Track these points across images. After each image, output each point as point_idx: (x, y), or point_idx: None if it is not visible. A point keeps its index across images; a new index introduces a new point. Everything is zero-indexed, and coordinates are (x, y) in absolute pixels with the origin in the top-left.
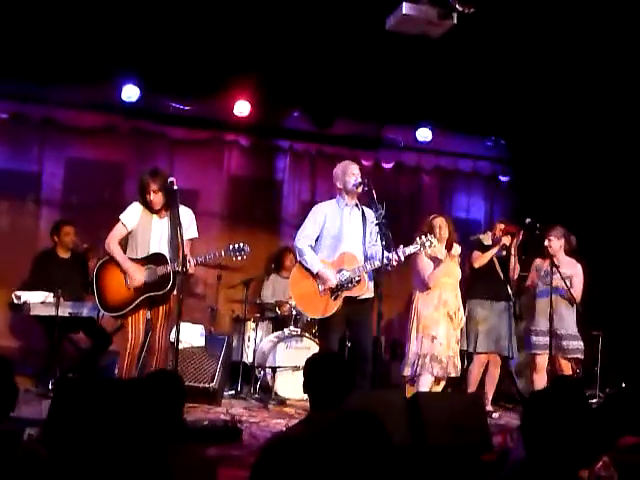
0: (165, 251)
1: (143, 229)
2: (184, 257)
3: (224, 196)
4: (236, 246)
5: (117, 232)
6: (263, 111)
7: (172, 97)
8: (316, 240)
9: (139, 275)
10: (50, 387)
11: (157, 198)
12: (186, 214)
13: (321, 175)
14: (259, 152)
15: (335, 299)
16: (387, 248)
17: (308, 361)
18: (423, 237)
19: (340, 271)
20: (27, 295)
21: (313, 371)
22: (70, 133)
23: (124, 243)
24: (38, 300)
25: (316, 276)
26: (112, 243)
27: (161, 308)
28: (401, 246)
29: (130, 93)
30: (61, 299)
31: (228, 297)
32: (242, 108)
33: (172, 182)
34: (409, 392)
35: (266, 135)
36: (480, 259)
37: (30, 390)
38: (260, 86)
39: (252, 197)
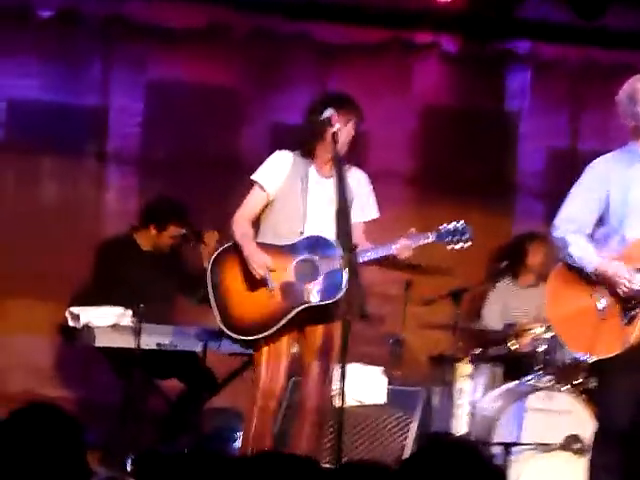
0: (329, 235)
1: (293, 195)
2: (352, 249)
3: (412, 142)
4: (451, 227)
5: (251, 203)
6: None
7: None
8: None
9: (287, 273)
10: (128, 468)
11: (344, 135)
12: (361, 179)
13: (589, 102)
14: (476, 64)
15: (629, 323)
16: None
17: None
18: None
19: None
20: (88, 314)
21: None
22: (151, 41)
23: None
24: (106, 322)
25: (594, 279)
26: (240, 222)
27: (318, 334)
28: None
29: None
30: (143, 321)
31: (423, 320)
32: None
33: (329, 119)
34: None
35: (488, 34)
36: None
37: (96, 473)
38: None
39: (462, 143)
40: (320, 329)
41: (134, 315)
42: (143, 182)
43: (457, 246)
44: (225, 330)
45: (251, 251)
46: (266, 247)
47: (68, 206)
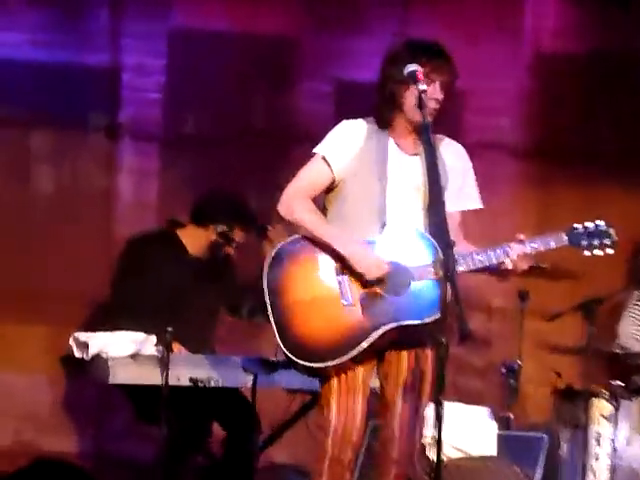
0: (422, 228)
1: (369, 178)
2: (450, 251)
3: (522, 104)
4: (591, 227)
5: (311, 178)
6: None
7: None
8: None
9: (378, 273)
10: None
11: (434, 98)
12: (459, 154)
13: None
14: None
15: None
16: None
17: None
18: None
19: None
20: (100, 341)
21: None
22: None
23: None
24: (124, 351)
25: None
26: (300, 202)
27: (405, 363)
28: None
29: None
30: (178, 349)
31: (544, 342)
32: None
33: (414, 75)
34: None
35: None
36: None
37: None
38: None
39: (591, 102)
40: (407, 357)
41: (160, 341)
42: (167, 164)
43: (598, 252)
44: (286, 353)
45: (345, 242)
46: None
47: (69, 197)
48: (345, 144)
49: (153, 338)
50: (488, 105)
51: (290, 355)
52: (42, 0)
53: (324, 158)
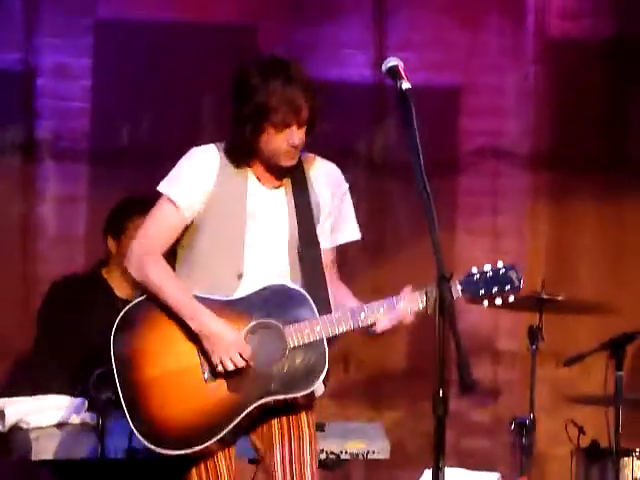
0: (286, 276)
1: (226, 218)
2: (444, 281)
3: (530, 101)
4: (486, 271)
5: (162, 230)
6: None
7: None
8: None
9: (240, 344)
10: None
11: (297, 137)
12: (333, 178)
13: None
14: None
15: None
16: None
17: None
18: None
19: None
20: (19, 407)
21: None
22: None
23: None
24: (49, 420)
25: None
26: (152, 263)
27: (279, 432)
28: None
29: None
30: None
31: (562, 390)
32: None
33: (394, 68)
34: None
35: None
36: None
37: None
38: None
39: (614, 97)
40: (280, 425)
41: (92, 406)
42: (97, 187)
43: (498, 302)
44: (140, 438)
45: (207, 322)
46: (203, 303)
47: None
48: (196, 180)
49: (83, 402)
50: (488, 105)
51: (141, 439)
52: None
53: (172, 200)
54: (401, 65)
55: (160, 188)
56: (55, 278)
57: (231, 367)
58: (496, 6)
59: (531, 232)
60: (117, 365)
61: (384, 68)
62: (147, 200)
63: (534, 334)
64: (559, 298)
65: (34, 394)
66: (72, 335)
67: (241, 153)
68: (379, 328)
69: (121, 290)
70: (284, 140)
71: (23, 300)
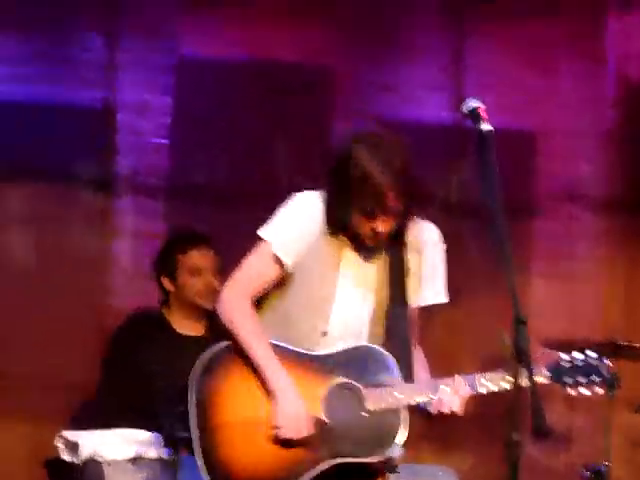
0: (377, 342)
1: (320, 278)
2: (522, 327)
3: (610, 144)
4: (576, 360)
5: (259, 276)
6: None
7: None
8: None
9: (314, 404)
10: None
11: (382, 227)
12: (431, 240)
13: None
14: None
15: None
16: None
17: None
18: None
19: None
20: (93, 440)
21: None
22: None
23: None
24: (124, 454)
25: None
26: (241, 309)
27: None
28: None
29: None
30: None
31: (635, 436)
32: None
33: (475, 110)
34: None
35: None
36: None
37: None
38: None
39: None
40: None
41: (168, 442)
42: (173, 223)
43: (585, 392)
44: None
45: (283, 390)
46: (283, 354)
47: (53, 266)
48: (300, 231)
49: (158, 437)
50: (564, 149)
51: None
52: (23, 25)
53: (275, 251)
54: (482, 107)
55: (263, 235)
56: (129, 312)
57: (285, 437)
58: (574, 50)
59: (607, 277)
60: (194, 409)
61: (465, 109)
62: (191, 234)
63: (612, 381)
64: (636, 345)
65: (105, 427)
66: (133, 370)
67: (342, 219)
68: (454, 407)
69: (182, 327)
70: (369, 227)
71: (98, 333)
